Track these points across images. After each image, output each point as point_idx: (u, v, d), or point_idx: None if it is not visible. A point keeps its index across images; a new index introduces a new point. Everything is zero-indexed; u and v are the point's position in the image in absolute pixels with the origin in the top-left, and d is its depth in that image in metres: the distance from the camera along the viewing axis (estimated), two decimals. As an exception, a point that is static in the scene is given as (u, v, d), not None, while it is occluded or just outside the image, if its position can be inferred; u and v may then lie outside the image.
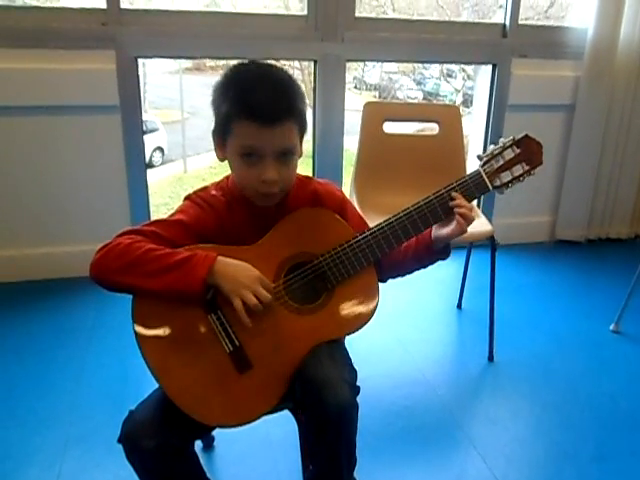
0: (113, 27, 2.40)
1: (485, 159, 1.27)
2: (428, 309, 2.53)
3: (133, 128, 2.55)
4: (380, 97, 9.98)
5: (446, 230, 1.24)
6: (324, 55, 2.65)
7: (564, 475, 1.61)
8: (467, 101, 7.92)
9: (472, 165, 1.62)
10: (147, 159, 5.23)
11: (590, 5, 2.85)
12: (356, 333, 1.21)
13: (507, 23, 2.86)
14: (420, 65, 9.01)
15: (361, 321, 1.21)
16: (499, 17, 2.94)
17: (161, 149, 9.43)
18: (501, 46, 2.88)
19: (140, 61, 2.52)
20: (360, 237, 1.22)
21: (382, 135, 2.33)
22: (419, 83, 10.02)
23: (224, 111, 1.14)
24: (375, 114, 2.32)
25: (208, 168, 8.94)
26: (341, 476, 1.21)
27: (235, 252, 1.16)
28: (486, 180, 1.26)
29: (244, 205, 1.23)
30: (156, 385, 1.12)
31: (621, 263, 2.94)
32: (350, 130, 2.75)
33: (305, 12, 2.63)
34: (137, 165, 2.62)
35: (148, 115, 9.21)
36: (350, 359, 1.21)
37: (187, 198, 1.26)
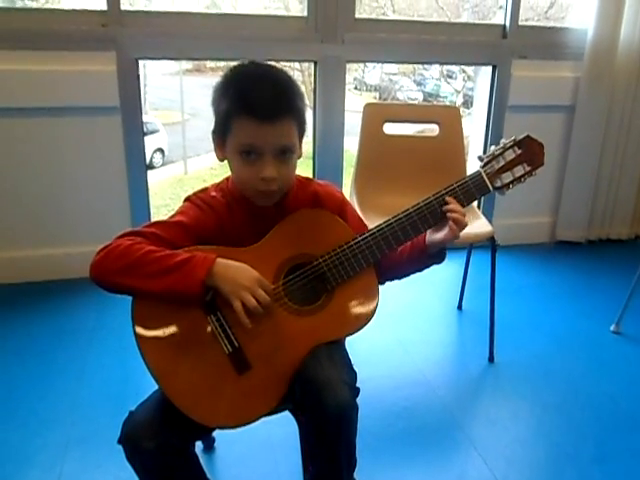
0: (113, 29, 2.40)
1: (486, 160, 1.27)
2: (428, 310, 2.53)
3: (133, 129, 2.56)
4: (380, 98, 9.99)
5: (439, 235, 1.24)
6: (324, 56, 2.65)
7: (565, 476, 1.61)
8: (467, 102, 7.92)
9: (472, 166, 1.62)
10: (147, 160, 5.22)
11: (590, 6, 2.85)
12: (356, 334, 1.21)
13: (507, 24, 2.86)
14: (420, 66, 9.01)
15: (361, 322, 1.21)
16: (499, 18, 2.94)
17: (161, 150, 9.43)
18: (501, 47, 2.88)
19: (140, 62, 2.52)
20: (360, 238, 1.22)
21: (382, 136, 2.34)
22: (419, 84, 10.02)
23: (224, 109, 1.15)
24: (375, 115, 2.33)
25: (208, 169, 8.94)
26: (341, 477, 1.21)
27: (235, 253, 1.16)
28: (487, 181, 1.26)
29: (244, 206, 1.23)
30: (156, 386, 1.12)
31: (621, 264, 2.94)
32: (350, 131, 2.75)
33: (305, 13, 2.64)
34: (137, 166, 2.62)
35: (148, 116, 9.21)
36: (350, 360, 1.21)
37: (187, 199, 1.26)
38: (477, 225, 2.11)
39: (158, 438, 1.09)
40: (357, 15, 2.68)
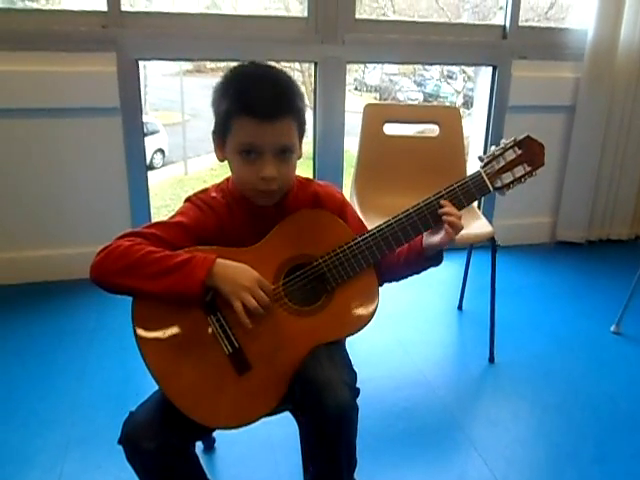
0: (114, 30, 2.41)
1: (486, 160, 1.27)
2: (429, 310, 2.53)
3: (134, 130, 2.56)
4: (381, 98, 9.99)
5: (436, 238, 1.23)
6: (324, 57, 2.65)
7: (565, 476, 1.61)
8: (468, 102, 7.91)
9: (473, 166, 1.62)
10: (148, 161, 5.23)
11: (590, 6, 2.86)
12: (356, 335, 1.21)
13: (507, 25, 2.86)
14: (420, 67, 9.01)
15: (361, 323, 1.21)
16: (499, 19, 2.95)
17: (162, 151, 9.43)
18: (501, 47, 2.88)
19: (141, 63, 2.52)
20: (360, 239, 1.22)
21: (382, 137, 2.34)
22: (419, 85, 10.01)
23: (224, 109, 1.15)
24: (375, 116, 2.33)
25: (209, 170, 8.94)
26: (341, 477, 1.21)
27: (235, 254, 1.16)
28: (487, 181, 1.26)
29: (244, 207, 1.23)
30: (156, 386, 1.12)
31: (622, 264, 2.94)
32: (351, 131, 2.75)
33: (305, 14, 2.64)
34: (138, 167, 2.62)
35: (149, 117, 9.21)
36: (350, 361, 1.21)
37: (187, 200, 1.26)
38: (477, 225, 2.11)
39: (158, 439, 1.09)
40: (357, 16, 2.68)
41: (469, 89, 8.27)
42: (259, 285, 1.12)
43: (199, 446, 1.57)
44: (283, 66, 2.92)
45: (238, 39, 2.54)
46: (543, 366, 2.12)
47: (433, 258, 1.28)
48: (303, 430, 1.28)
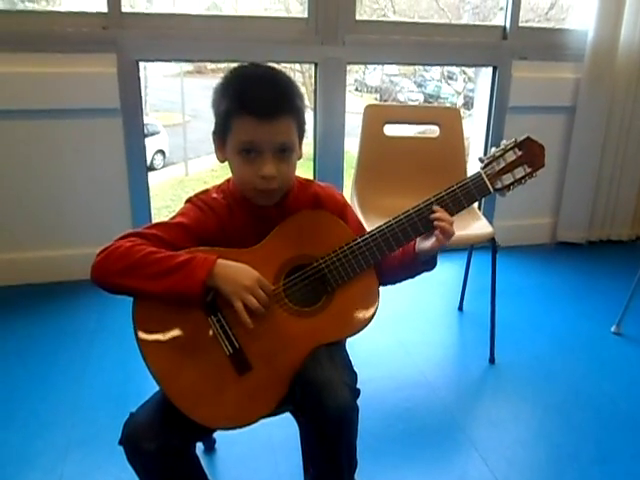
0: (114, 31, 2.41)
1: (486, 161, 1.27)
2: (429, 311, 2.53)
3: (134, 131, 2.56)
4: (381, 99, 9.98)
5: (428, 243, 1.24)
6: (325, 58, 2.66)
7: (565, 477, 1.61)
8: (468, 103, 7.91)
9: (473, 167, 1.62)
10: (148, 162, 5.24)
11: (590, 7, 2.86)
12: (357, 335, 1.21)
13: (507, 25, 2.87)
14: (421, 67, 9.01)
15: (361, 324, 1.21)
16: (499, 19, 2.95)
17: (162, 152, 9.43)
18: (501, 48, 2.88)
19: (141, 64, 2.52)
20: (360, 240, 1.22)
21: (383, 137, 2.34)
22: (420, 85, 10.01)
23: (223, 109, 1.16)
24: (376, 117, 2.33)
25: (209, 171, 8.94)
26: (341, 478, 1.21)
27: (235, 254, 1.16)
28: (487, 182, 1.26)
29: (245, 208, 1.23)
30: (157, 387, 1.13)
31: (622, 265, 2.94)
32: (351, 132, 2.75)
33: (306, 15, 2.64)
34: (138, 168, 2.62)
35: (149, 118, 9.21)
36: (350, 361, 1.21)
37: (188, 201, 1.26)
38: (478, 226, 2.11)
39: (159, 439, 1.10)
40: (357, 17, 2.68)
41: (469, 90, 8.27)
42: (259, 285, 1.12)
43: (199, 447, 1.57)
44: (283, 67, 2.92)
45: (238, 40, 2.54)
46: (544, 367, 2.12)
47: (427, 262, 1.28)
48: (303, 431, 1.28)
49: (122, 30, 2.42)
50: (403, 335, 2.30)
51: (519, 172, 1.27)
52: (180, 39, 2.50)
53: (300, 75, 6.76)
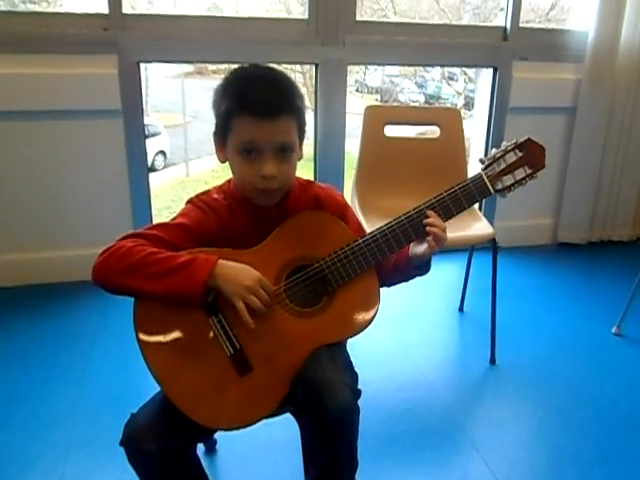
0: (115, 32, 2.41)
1: (487, 162, 1.27)
2: (430, 312, 2.53)
3: (135, 132, 2.56)
4: (382, 100, 9.98)
5: (420, 249, 1.24)
6: (325, 59, 2.66)
7: (566, 478, 1.61)
8: (469, 104, 7.91)
9: (474, 168, 1.62)
10: (149, 163, 5.23)
11: (591, 8, 2.86)
12: (358, 336, 1.21)
13: (508, 26, 2.87)
14: (421, 68, 9.00)
15: (362, 324, 1.21)
16: (500, 20, 2.95)
17: (163, 153, 9.43)
18: (502, 49, 2.89)
19: (142, 65, 2.52)
20: (361, 240, 1.22)
21: (383, 138, 2.34)
22: (421, 86, 10.01)
23: (224, 109, 1.16)
24: (376, 118, 2.33)
25: (210, 171, 8.94)
26: (342, 479, 1.21)
27: (237, 255, 1.17)
28: (488, 184, 1.26)
29: (246, 208, 1.24)
30: (158, 388, 1.13)
31: (623, 266, 2.94)
32: (352, 133, 2.75)
33: (306, 16, 2.64)
34: (139, 169, 2.62)
35: (150, 119, 9.22)
36: (351, 362, 1.21)
37: (189, 202, 1.26)
38: (478, 227, 2.11)
39: (160, 440, 1.10)
40: (358, 17, 2.68)
41: (470, 90, 8.27)
42: (261, 285, 1.12)
43: (200, 448, 1.57)
44: (284, 68, 2.92)
45: (239, 41, 2.55)
46: (544, 368, 2.12)
47: (420, 267, 1.28)
48: (304, 431, 1.28)
49: (123, 31, 2.42)
50: (404, 336, 2.30)
51: (520, 173, 1.27)
52: (181, 40, 2.50)
53: (301, 76, 6.76)
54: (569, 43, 2.94)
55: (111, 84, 2.43)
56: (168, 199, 7.98)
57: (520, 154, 1.27)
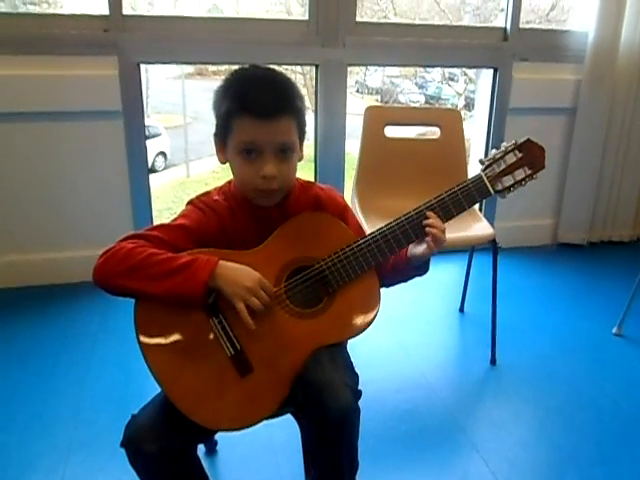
0: (115, 33, 2.41)
1: (487, 163, 1.28)
2: (430, 313, 2.53)
3: (136, 133, 2.56)
4: (382, 101, 9.98)
5: (419, 249, 1.24)
6: (325, 60, 2.66)
7: (566, 478, 1.61)
8: (469, 104, 7.92)
9: (474, 169, 1.62)
10: (150, 164, 5.24)
11: (591, 9, 2.86)
12: (358, 337, 1.21)
13: (508, 27, 2.87)
14: (422, 69, 9.00)
15: (362, 325, 1.21)
16: (500, 21, 2.95)
17: (164, 154, 9.44)
18: (502, 50, 2.89)
19: (142, 67, 2.53)
20: (361, 241, 1.23)
21: (383, 139, 2.34)
22: (421, 87, 10.02)
23: (224, 110, 1.16)
24: (376, 118, 2.33)
25: (211, 173, 8.95)
26: (343, 480, 1.21)
27: (237, 256, 1.17)
28: (487, 184, 1.26)
29: (246, 209, 1.24)
30: (159, 389, 1.13)
31: (623, 266, 2.93)
32: (352, 134, 2.75)
33: (306, 17, 2.64)
34: (139, 170, 2.62)
35: (151, 120, 9.23)
36: (351, 363, 1.21)
37: (189, 203, 1.26)
38: (479, 227, 2.12)
39: (160, 441, 1.10)
40: (358, 18, 2.68)
41: (470, 91, 8.27)
42: (261, 286, 1.13)
43: (201, 449, 1.57)
44: (284, 69, 2.92)
45: (239, 42, 2.55)
46: (545, 368, 2.12)
47: (419, 267, 1.29)
48: (304, 432, 1.28)
49: (123, 33, 2.42)
50: (404, 337, 2.30)
51: (519, 174, 1.28)
52: (181, 41, 2.51)
53: (301, 77, 6.77)
54: (569, 44, 2.94)
55: (111, 85, 2.43)
56: (168, 200, 7.99)
57: (520, 155, 1.27)
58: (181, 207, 1.27)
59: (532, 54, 2.90)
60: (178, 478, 1.18)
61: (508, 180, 1.28)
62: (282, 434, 1.64)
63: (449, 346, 2.34)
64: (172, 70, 9.96)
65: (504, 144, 1.29)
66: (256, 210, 1.23)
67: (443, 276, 2.78)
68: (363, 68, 9.48)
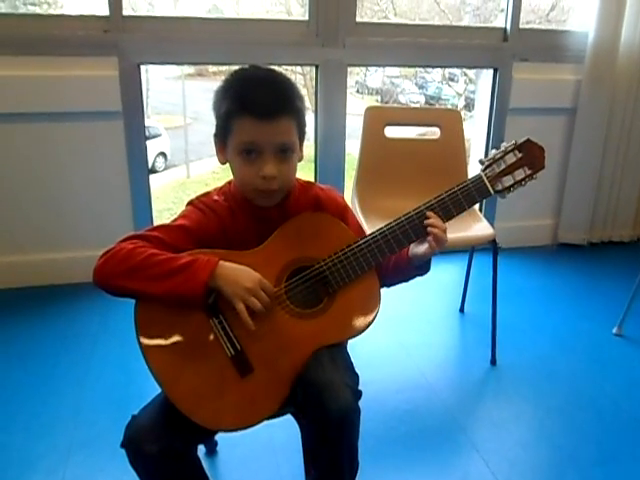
0: (115, 34, 2.41)
1: (487, 163, 1.28)
2: (430, 313, 2.53)
3: (136, 134, 2.56)
4: (382, 101, 9.99)
5: (421, 249, 1.24)
6: (325, 60, 2.66)
7: (567, 479, 1.61)
8: (469, 105, 7.92)
9: (474, 169, 1.62)
10: (150, 164, 5.23)
11: (591, 9, 2.86)
12: (358, 337, 1.21)
13: (508, 27, 2.87)
14: (422, 69, 9.01)
15: (363, 326, 1.21)
16: (500, 21, 2.95)
17: (164, 154, 9.44)
18: (502, 50, 2.89)
19: (142, 67, 2.53)
20: (361, 241, 1.23)
21: (383, 139, 2.34)
22: (421, 87, 10.02)
23: (224, 110, 1.17)
24: (376, 119, 2.33)
25: (211, 173, 8.96)
26: (343, 480, 1.21)
27: (237, 257, 1.17)
28: (487, 184, 1.26)
29: (246, 210, 1.24)
30: (159, 390, 1.13)
31: (624, 266, 2.94)
32: (352, 134, 2.75)
33: (306, 17, 2.65)
34: (140, 170, 2.62)
35: (151, 121, 9.23)
36: (352, 363, 1.21)
37: (190, 203, 1.27)
38: (479, 228, 2.12)
39: (161, 442, 1.10)
40: (358, 19, 2.68)
41: (471, 91, 8.27)
42: (261, 286, 1.13)
43: (201, 449, 1.57)
44: (284, 69, 2.92)
45: (240, 43, 2.55)
46: (545, 368, 2.12)
47: (420, 267, 1.29)
48: (305, 432, 1.28)
49: (123, 33, 2.42)
50: (404, 337, 2.30)
51: (519, 174, 1.28)
52: (181, 42, 2.51)
53: (301, 77, 6.77)
54: (569, 44, 2.94)
55: (112, 86, 2.43)
56: (169, 201, 7.99)
57: (520, 155, 1.27)
58: (181, 208, 1.27)
59: (532, 54, 2.90)
60: (178, 479, 1.18)
61: (508, 180, 1.28)
62: (282, 434, 1.64)
63: (449, 346, 2.34)
64: (172, 70, 9.96)
65: (504, 144, 1.29)
66: (256, 210, 1.23)
67: (443, 276, 2.78)
68: (363, 68, 9.47)
